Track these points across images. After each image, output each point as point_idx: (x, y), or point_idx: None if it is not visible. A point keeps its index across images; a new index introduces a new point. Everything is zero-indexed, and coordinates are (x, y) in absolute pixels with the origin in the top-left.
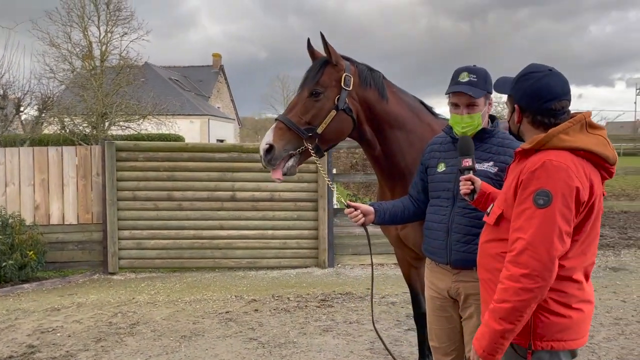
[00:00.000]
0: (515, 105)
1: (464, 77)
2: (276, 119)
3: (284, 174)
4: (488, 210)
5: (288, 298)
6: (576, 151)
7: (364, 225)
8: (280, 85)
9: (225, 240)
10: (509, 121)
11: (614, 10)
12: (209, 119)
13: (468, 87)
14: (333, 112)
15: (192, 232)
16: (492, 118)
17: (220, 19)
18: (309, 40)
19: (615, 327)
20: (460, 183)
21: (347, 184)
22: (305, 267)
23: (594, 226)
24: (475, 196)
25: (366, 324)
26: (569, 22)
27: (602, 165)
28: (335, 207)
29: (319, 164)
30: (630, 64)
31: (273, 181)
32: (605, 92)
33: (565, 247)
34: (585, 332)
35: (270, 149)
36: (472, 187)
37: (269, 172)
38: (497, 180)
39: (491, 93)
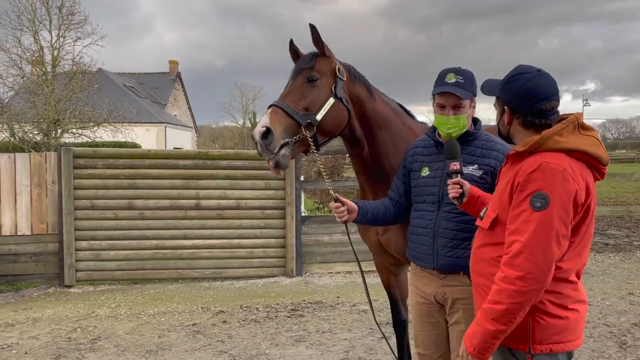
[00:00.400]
0: (506, 107)
1: (451, 78)
2: (270, 105)
3: (276, 165)
4: (481, 214)
5: (257, 308)
6: (571, 152)
7: (346, 222)
8: (239, 94)
9: (190, 250)
10: (498, 123)
11: (559, 26)
12: (165, 127)
13: (456, 88)
14: (332, 100)
15: (154, 242)
16: (475, 120)
17: (177, 26)
18: (291, 40)
19: (584, 330)
20: (449, 187)
21: (313, 191)
22: (273, 277)
23: (589, 227)
24: (464, 200)
25: (339, 333)
26: (519, 36)
27: (596, 166)
28: (303, 214)
29: (317, 157)
30: (576, 77)
31: (239, 189)
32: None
33: (562, 250)
34: (581, 333)
35: (267, 132)
36: (460, 190)
37: (234, 179)
38: (482, 184)
39: (476, 95)
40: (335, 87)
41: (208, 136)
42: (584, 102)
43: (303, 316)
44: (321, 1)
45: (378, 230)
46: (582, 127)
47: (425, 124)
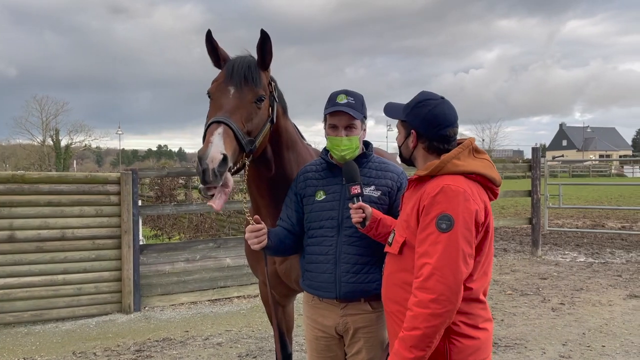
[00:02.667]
0: (413, 131)
1: (342, 99)
2: (217, 121)
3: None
4: (390, 239)
5: (94, 353)
6: (469, 175)
7: (264, 248)
8: (37, 108)
9: (1, 291)
10: (400, 146)
11: (365, 57)
12: None
13: (348, 108)
14: (269, 125)
15: None
16: (366, 144)
17: None
18: (210, 32)
19: None
20: (351, 211)
21: (154, 217)
22: (107, 314)
23: (490, 245)
24: (367, 223)
25: None
26: (330, 64)
27: (489, 187)
28: (142, 243)
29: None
30: (379, 104)
31: (65, 216)
32: None
33: (469, 270)
34: (490, 351)
35: (225, 160)
36: (364, 215)
37: (58, 206)
38: (380, 205)
39: (366, 118)
40: (271, 109)
41: None
42: (388, 127)
43: (152, 357)
44: (134, 14)
45: (275, 260)
46: (476, 151)
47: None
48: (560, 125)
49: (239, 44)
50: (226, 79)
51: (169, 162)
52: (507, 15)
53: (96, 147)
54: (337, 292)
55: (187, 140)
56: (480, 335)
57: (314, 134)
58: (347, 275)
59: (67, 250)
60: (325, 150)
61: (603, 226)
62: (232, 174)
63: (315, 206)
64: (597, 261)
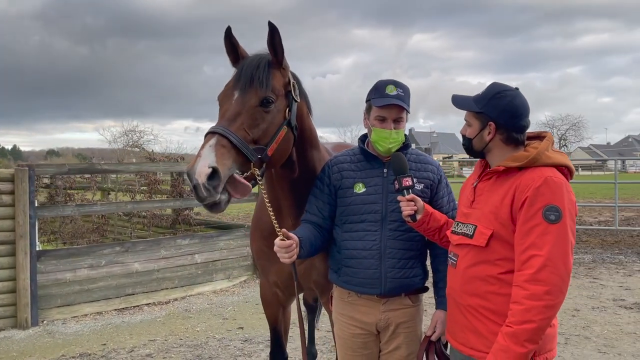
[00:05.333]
0: (491, 123)
1: (392, 90)
2: (213, 132)
3: (212, 208)
4: (470, 232)
5: None
6: (559, 167)
7: (294, 261)
8: None
9: None
10: (472, 138)
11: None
12: None
13: (399, 101)
14: (285, 129)
15: None
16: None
17: None
18: (229, 29)
19: None
20: (402, 204)
21: (47, 220)
22: (0, 331)
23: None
24: (419, 217)
25: None
26: (187, 60)
27: (569, 178)
28: (39, 248)
29: (264, 191)
30: None
31: None
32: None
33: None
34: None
35: (214, 174)
36: (415, 208)
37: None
38: (423, 197)
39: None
40: (289, 111)
41: None
42: None
43: None
44: None
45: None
46: (552, 144)
47: None
48: (410, 130)
49: (84, 35)
50: (234, 82)
51: (3, 161)
52: (361, 26)
53: None
54: (382, 288)
55: (23, 138)
56: (555, 322)
57: (169, 133)
58: (392, 270)
59: None
60: (362, 140)
61: None
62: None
63: (355, 199)
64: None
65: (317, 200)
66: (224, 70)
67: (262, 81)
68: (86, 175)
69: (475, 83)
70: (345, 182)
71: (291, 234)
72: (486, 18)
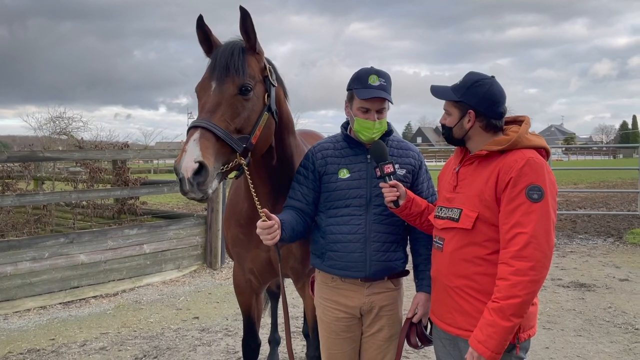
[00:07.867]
0: (471, 111)
1: (375, 81)
2: (195, 126)
3: (201, 200)
4: (455, 216)
5: None
6: (538, 149)
7: (276, 242)
8: None
9: None
10: (452, 127)
11: (156, 40)
12: None
13: (383, 92)
14: (266, 115)
15: None
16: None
17: None
18: (201, 17)
19: None
20: (384, 190)
21: None
22: None
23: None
24: (401, 202)
25: None
26: (115, 44)
27: (546, 159)
28: None
29: (249, 178)
30: (170, 90)
31: None
32: (150, 114)
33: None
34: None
35: (201, 168)
36: (397, 193)
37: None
38: (405, 183)
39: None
40: (268, 97)
41: None
42: (189, 114)
43: None
44: None
45: (269, 247)
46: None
47: None
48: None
49: (4, 13)
50: (210, 72)
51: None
52: (298, 12)
53: None
54: (366, 272)
55: None
56: (537, 300)
57: (97, 119)
58: (377, 254)
59: None
60: (344, 127)
61: None
62: (226, 175)
63: (340, 184)
64: None
65: (301, 187)
66: (155, 56)
67: (237, 68)
68: (16, 164)
69: (411, 73)
70: (330, 167)
71: (272, 215)
72: (422, 9)
